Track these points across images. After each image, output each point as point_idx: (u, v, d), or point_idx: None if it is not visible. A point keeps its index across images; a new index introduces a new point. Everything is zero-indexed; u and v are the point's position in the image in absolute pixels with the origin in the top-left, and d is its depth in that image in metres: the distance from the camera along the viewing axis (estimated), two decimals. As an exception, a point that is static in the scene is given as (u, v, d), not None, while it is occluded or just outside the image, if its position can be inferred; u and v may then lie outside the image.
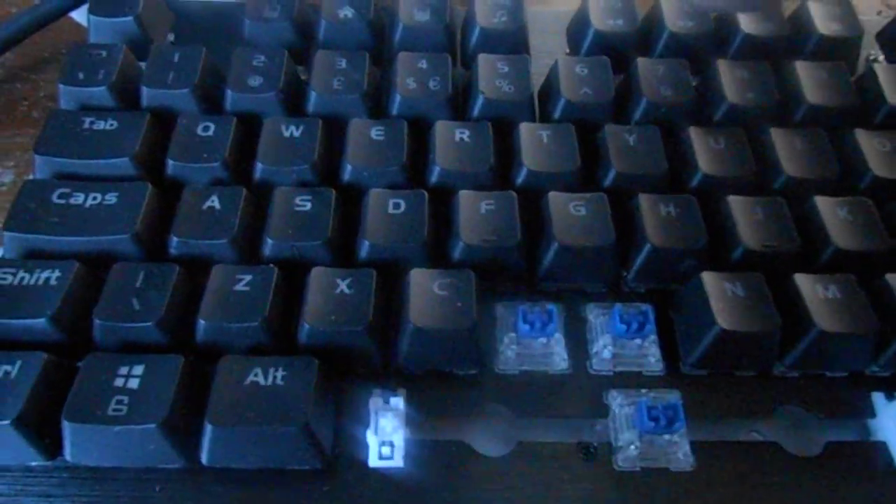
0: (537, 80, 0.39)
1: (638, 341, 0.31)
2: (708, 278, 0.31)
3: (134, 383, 0.27)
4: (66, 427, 0.26)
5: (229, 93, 0.36)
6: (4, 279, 0.29)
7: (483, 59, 0.38)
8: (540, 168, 0.34)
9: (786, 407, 0.30)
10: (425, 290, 0.30)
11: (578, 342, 0.31)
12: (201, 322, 0.29)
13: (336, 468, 0.28)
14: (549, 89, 0.38)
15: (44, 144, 0.34)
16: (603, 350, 0.31)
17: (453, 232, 0.32)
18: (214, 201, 0.32)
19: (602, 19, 0.40)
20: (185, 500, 0.27)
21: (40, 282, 0.29)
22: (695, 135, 0.35)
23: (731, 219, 0.33)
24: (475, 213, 0.32)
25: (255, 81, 0.36)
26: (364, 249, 0.31)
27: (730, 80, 0.37)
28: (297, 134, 0.34)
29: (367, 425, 0.28)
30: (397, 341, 0.30)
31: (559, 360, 0.31)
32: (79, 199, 0.32)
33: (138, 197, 0.32)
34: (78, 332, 0.29)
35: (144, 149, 0.34)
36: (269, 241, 0.31)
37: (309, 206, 0.32)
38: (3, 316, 0.29)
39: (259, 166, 0.34)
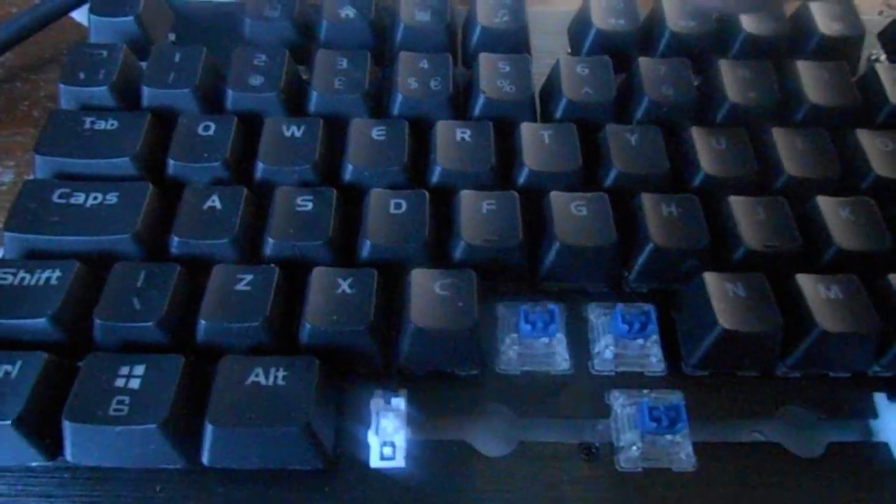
0: (538, 80, 0.39)
1: (640, 341, 0.31)
2: (710, 278, 0.31)
3: (135, 383, 0.27)
4: (67, 427, 0.26)
5: (230, 92, 0.36)
6: (5, 279, 0.29)
7: (484, 59, 0.38)
8: (541, 168, 0.34)
9: (788, 407, 0.30)
10: (426, 290, 0.30)
11: (580, 342, 0.31)
12: (202, 322, 0.29)
13: (337, 468, 0.28)
14: (551, 89, 0.38)
15: (44, 144, 0.34)
16: (605, 350, 0.31)
17: (454, 232, 0.32)
18: (215, 201, 0.32)
19: (604, 19, 0.40)
20: (186, 501, 0.27)
21: (41, 282, 0.29)
22: (696, 134, 0.35)
23: (733, 219, 0.33)
24: (476, 212, 0.32)
25: (256, 81, 0.36)
26: (365, 249, 0.31)
27: (731, 79, 0.37)
28: (298, 134, 0.34)
29: (368, 425, 0.28)
30: (398, 341, 0.30)
31: (561, 360, 0.31)
32: (79, 198, 0.32)
33: (139, 197, 0.32)
34: (78, 331, 0.29)
35: (145, 149, 0.34)
36: (270, 240, 0.31)
37: (310, 205, 0.32)
38: (4, 316, 0.28)
39: (260, 166, 0.34)
